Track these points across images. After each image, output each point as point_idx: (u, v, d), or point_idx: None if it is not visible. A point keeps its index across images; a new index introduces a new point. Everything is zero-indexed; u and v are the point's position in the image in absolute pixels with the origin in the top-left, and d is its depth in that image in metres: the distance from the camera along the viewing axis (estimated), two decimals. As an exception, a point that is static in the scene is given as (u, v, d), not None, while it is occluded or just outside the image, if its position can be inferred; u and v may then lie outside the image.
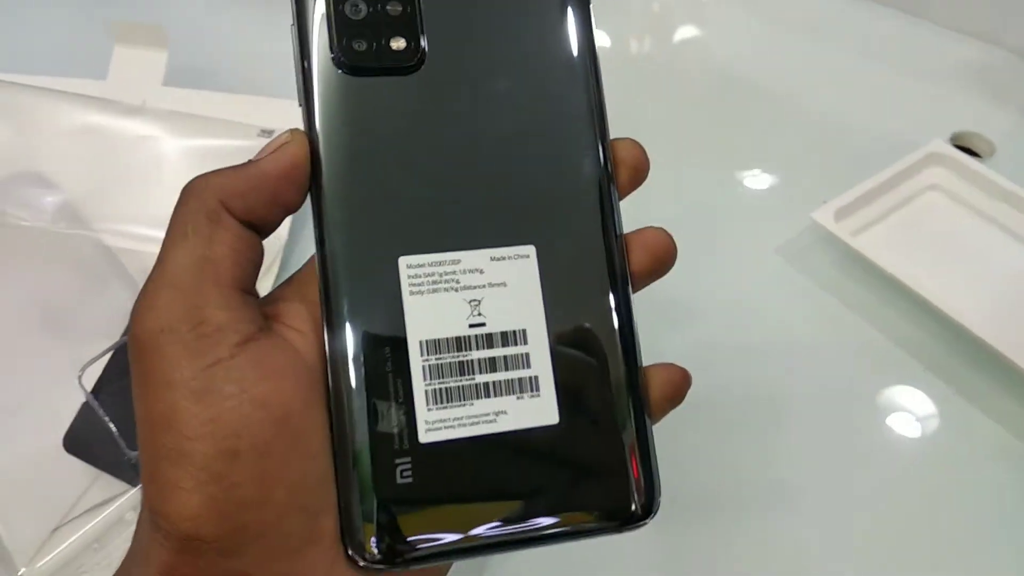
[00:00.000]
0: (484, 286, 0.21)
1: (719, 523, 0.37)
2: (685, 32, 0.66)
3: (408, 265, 0.21)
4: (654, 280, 0.23)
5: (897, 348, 0.43)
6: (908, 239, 0.46)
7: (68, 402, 0.36)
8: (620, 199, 0.23)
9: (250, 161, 0.21)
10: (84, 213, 0.43)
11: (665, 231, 0.23)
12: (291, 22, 0.21)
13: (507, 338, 0.21)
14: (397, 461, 0.20)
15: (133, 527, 0.20)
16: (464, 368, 0.21)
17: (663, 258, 0.23)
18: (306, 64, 0.21)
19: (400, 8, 0.21)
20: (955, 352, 0.42)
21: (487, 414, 0.21)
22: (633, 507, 0.21)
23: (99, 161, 0.45)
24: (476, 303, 0.21)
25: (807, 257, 0.47)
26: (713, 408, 0.39)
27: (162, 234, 0.20)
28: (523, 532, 0.20)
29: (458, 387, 0.20)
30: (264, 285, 0.44)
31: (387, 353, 0.20)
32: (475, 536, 0.20)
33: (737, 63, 0.62)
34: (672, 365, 0.23)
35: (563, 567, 0.34)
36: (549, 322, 0.21)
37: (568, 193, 0.22)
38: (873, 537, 0.37)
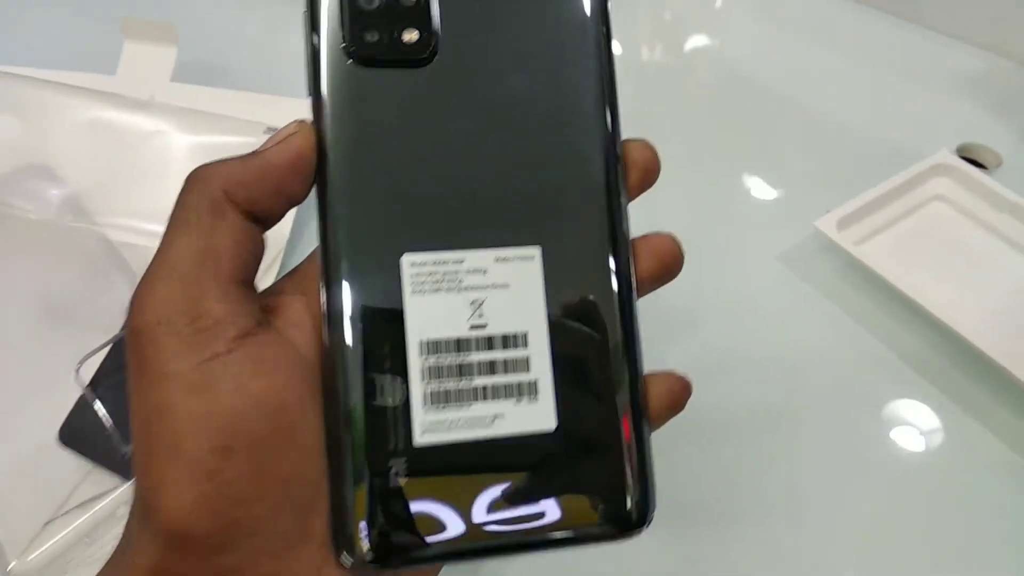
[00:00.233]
0: (487, 287, 0.21)
1: (718, 530, 0.37)
2: (697, 40, 0.66)
3: (411, 263, 0.20)
4: (660, 286, 0.23)
5: (899, 359, 0.43)
6: (912, 249, 0.46)
7: (66, 395, 0.36)
8: (629, 201, 0.23)
9: (255, 151, 0.20)
10: (89, 207, 0.44)
11: (673, 237, 0.23)
12: (303, 8, 0.21)
13: (508, 341, 0.21)
14: (391, 462, 0.19)
15: (125, 521, 0.20)
16: (463, 370, 0.20)
17: (670, 264, 0.23)
18: (316, 53, 0.21)
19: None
20: (957, 364, 0.42)
21: (484, 417, 0.20)
22: (628, 515, 0.21)
23: (105, 155, 0.45)
24: (478, 304, 0.21)
25: (810, 265, 0.47)
26: (712, 415, 0.39)
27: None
28: (516, 538, 0.20)
29: (456, 389, 0.20)
30: (265, 282, 0.44)
31: (385, 352, 0.20)
32: (467, 540, 0.20)
33: (745, 70, 0.62)
34: (673, 373, 0.23)
35: (558, 574, 0.34)
36: (551, 326, 0.21)
37: (577, 194, 0.22)
38: (873, 547, 0.36)
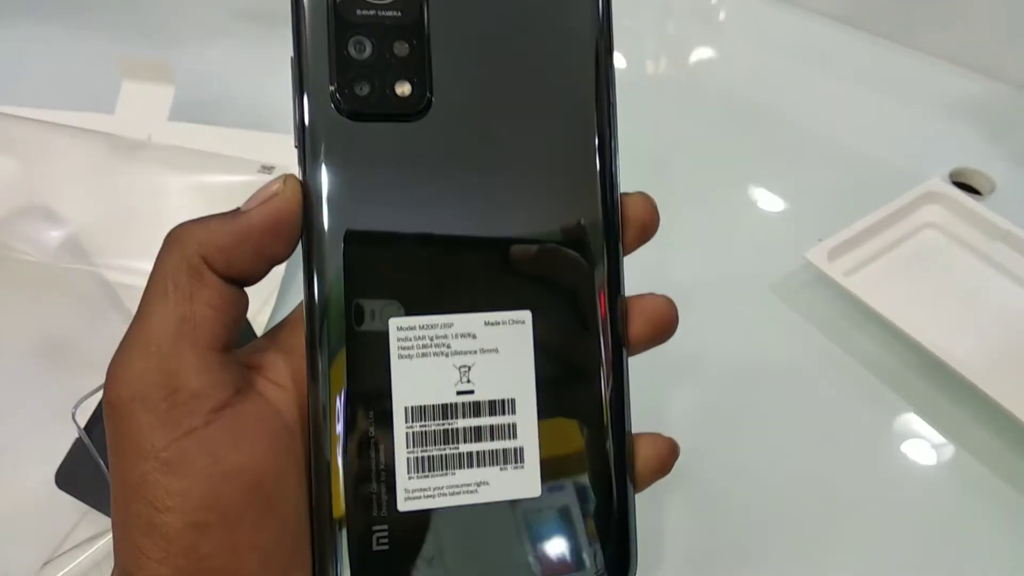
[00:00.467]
0: (476, 351, 0.20)
1: (712, 570, 0.37)
2: (701, 53, 0.67)
3: (398, 327, 0.20)
4: (653, 347, 0.23)
5: (891, 391, 0.42)
6: (903, 278, 0.46)
7: (62, 437, 0.37)
8: (626, 255, 0.22)
9: (237, 210, 0.20)
10: (87, 247, 0.44)
11: (668, 300, 0.22)
12: (291, 55, 0.20)
13: (495, 407, 0.20)
14: (374, 528, 0.19)
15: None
16: (449, 436, 0.20)
17: (664, 328, 0.22)
18: (303, 105, 0.20)
19: (408, 49, 0.20)
20: (948, 395, 0.42)
21: (469, 484, 0.20)
22: None
23: (103, 196, 0.46)
24: (466, 369, 0.20)
25: (801, 295, 0.47)
26: (700, 446, 0.39)
27: None
28: None
29: (441, 455, 0.20)
30: (261, 319, 0.45)
31: (371, 417, 0.20)
32: None
33: (741, 92, 0.62)
34: (660, 436, 0.22)
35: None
36: (539, 392, 0.21)
37: (571, 257, 0.21)
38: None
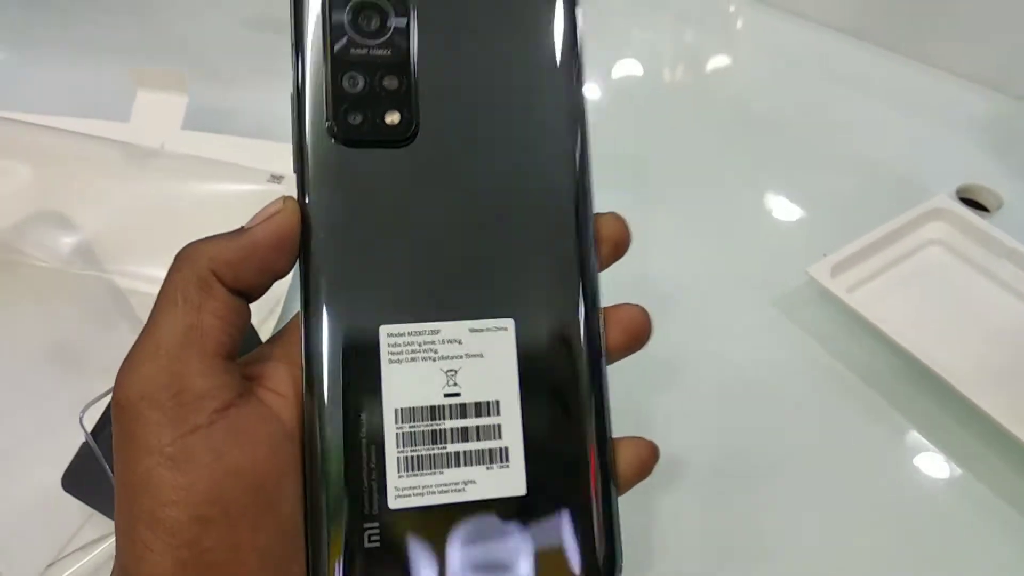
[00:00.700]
0: (461, 356, 0.22)
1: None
2: (717, 62, 0.67)
3: (388, 334, 0.21)
4: (629, 354, 0.24)
5: (893, 408, 0.42)
6: (907, 295, 0.46)
7: (70, 439, 0.37)
8: (600, 271, 0.24)
9: (242, 228, 0.21)
10: (98, 254, 0.45)
11: (642, 309, 0.24)
12: (291, 90, 0.22)
13: (480, 408, 0.22)
14: (366, 526, 0.20)
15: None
16: (437, 437, 0.21)
17: (638, 336, 0.24)
18: (302, 133, 0.22)
19: (396, 83, 0.22)
20: (951, 413, 0.42)
21: (457, 483, 0.21)
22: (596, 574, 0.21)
23: (115, 203, 0.47)
24: (453, 373, 0.22)
25: (804, 310, 0.47)
26: (699, 459, 0.39)
27: None
28: None
29: (429, 455, 0.21)
30: (268, 326, 0.45)
31: (362, 419, 0.21)
32: None
33: (753, 99, 0.63)
34: (641, 440, 0.23)
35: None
36: (523, 394, 0.22)
37: (550, 269, 0.23)
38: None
